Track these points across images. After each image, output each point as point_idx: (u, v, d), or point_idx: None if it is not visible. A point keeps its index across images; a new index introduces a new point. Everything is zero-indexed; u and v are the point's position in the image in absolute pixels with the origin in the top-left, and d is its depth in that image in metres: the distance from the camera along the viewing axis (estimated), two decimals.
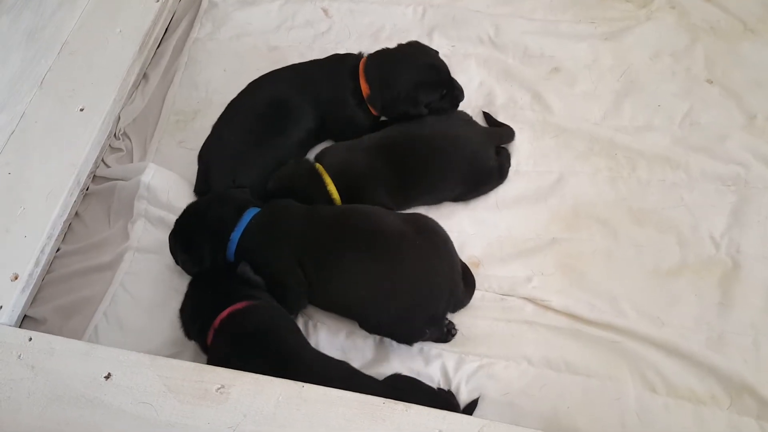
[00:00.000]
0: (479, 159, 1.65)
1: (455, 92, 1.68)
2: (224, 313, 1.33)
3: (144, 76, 2.06)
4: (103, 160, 1.89)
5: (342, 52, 1.81)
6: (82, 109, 1.85)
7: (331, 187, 1.56)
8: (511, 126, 1.79)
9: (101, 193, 1.80)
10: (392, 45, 1.98)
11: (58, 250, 1.72)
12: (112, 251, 1.67)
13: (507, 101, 1.85)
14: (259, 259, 1.44)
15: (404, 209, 1.65)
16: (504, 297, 1.54)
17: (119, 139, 1.92)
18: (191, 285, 1.47)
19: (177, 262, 1.54)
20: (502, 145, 1.75)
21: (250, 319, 1.35)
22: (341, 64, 1.73)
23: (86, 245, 1.72)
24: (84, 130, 1.81)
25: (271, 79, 1.76)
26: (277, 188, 1.59)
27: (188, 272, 1.52)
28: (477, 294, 1.53)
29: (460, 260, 1.52)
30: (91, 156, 1.81)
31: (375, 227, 1.40)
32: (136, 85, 2.03)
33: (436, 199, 1.68)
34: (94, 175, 1.85)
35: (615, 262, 1.57)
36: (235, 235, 1.44)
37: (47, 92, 1.88)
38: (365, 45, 2.00)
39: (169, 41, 2.13)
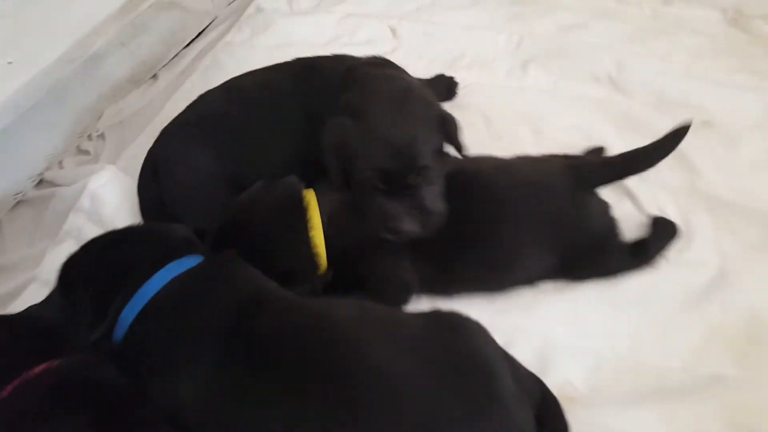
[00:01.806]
0: (569, 216, 0.99)
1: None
2: (36, 369, 0.73)
3: (154, 76, 1.74)
4: (59, 163, 1.45)
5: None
6: (10, 63, 1.34)
7: (316, 233, 0.95)
8: (640, 191, 1.17)
9: (35, 202, 1.35)
10: (470, 75, 1.52)
11: None
12: (17, 279, 1.18)
13: None
14: (154, 358, 0.79)
15: (443, 296, 1.02)
16: None
17: (92, 140, 1.52)
18: None
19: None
20: (662, 217, 1.13)
21: (75, 370, 0.74)
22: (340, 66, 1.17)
23: None
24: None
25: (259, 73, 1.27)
26: (230, 221, 0.98)
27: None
28: None
29: (546, 394, 0.83)
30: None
31: (350, 360, 0.72)
32: (131, 86, 1.64)
33: (500, 283, 1.03)
34: (41, 179, 1.40)
35: None
36: (129, 313, 0.81)
37: None
38: (436, 73, 1.57)
39: (198, 43, 1.88)
